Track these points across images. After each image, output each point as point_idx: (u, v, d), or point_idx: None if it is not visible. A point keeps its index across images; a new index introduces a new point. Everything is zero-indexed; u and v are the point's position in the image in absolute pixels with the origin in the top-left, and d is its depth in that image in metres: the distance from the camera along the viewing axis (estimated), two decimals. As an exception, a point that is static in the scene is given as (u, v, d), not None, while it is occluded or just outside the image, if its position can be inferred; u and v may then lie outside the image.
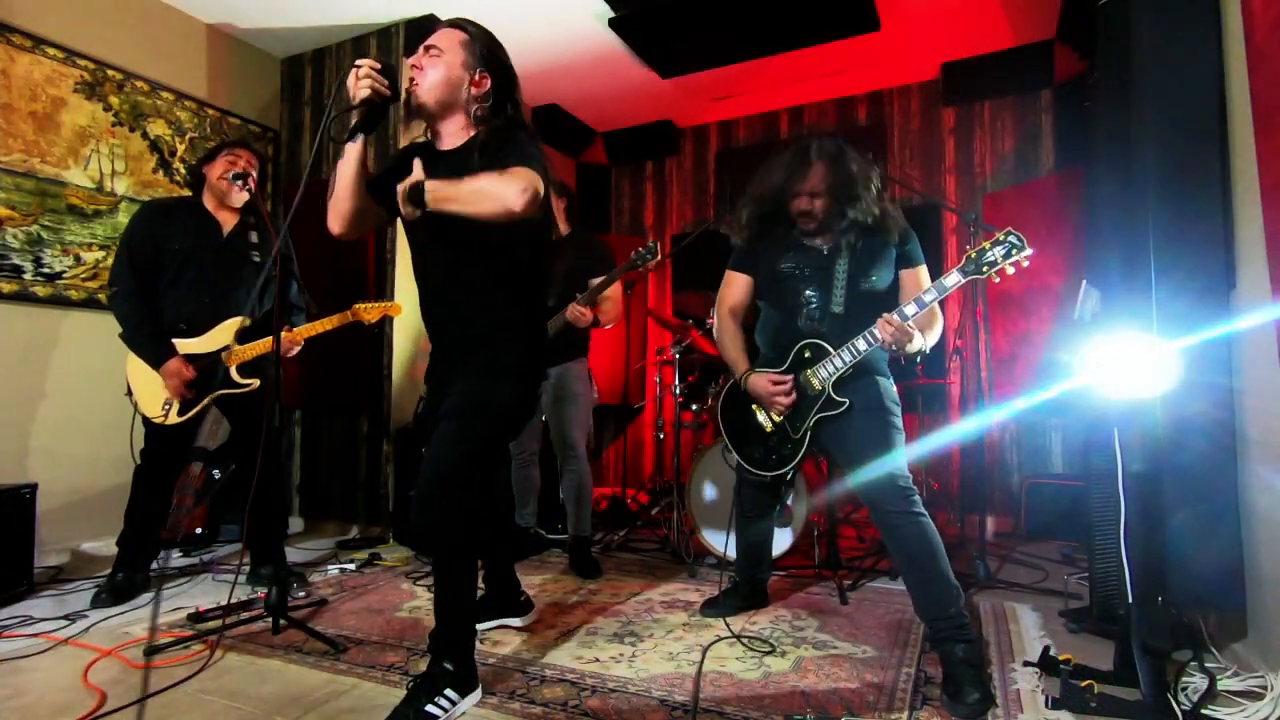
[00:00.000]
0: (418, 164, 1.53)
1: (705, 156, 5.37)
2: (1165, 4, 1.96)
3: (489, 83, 1.69)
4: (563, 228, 3.12)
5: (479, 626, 2.14)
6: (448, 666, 1.63)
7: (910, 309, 1.89)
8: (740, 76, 4.54)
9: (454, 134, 1.71)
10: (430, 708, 1.56)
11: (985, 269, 1.85)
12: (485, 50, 1.69)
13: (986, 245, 1.86)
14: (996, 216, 3.60)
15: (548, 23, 3.89)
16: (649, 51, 4.17)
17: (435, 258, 1.73)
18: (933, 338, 2.03)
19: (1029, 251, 1.83)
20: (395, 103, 1.64)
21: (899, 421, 2.00)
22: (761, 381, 2.10)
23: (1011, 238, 1.84)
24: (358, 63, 1.58)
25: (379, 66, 1.58)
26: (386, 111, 1.64)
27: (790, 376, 2.07)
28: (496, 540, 2.17)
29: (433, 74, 1.65)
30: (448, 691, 1.60)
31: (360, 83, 1.56)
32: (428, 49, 1.67)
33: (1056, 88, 4.25)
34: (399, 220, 1.74)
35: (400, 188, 1.48)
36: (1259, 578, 1.87)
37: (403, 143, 1.75)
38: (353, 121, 1.59)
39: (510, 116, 1.71)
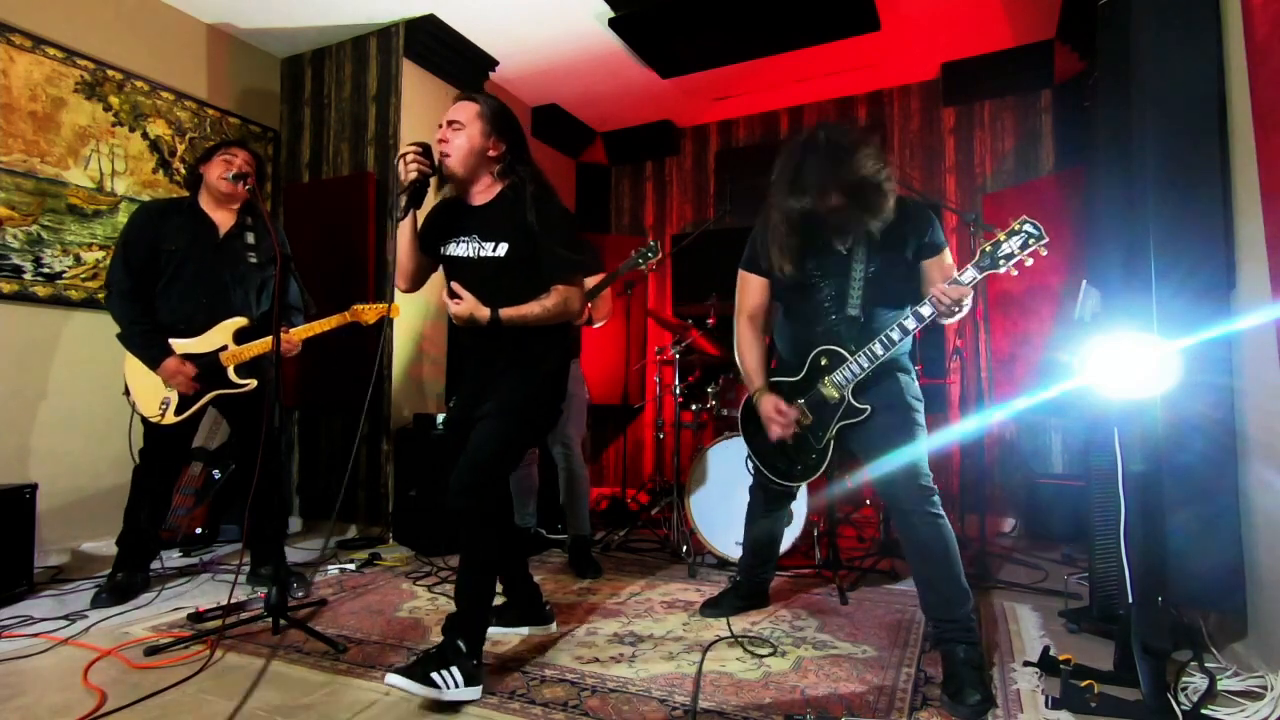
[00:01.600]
0: (473, 301, 1.86)
1: (705, 156, 5.37)
2: (1165, 4, 1.96)
3: (504, 147, 1.97)
4: None
5: (499, 631, 2.15)
6: (461, 645, 1.69)
7: (970, 274, 1.78)
8: (740, 76, 4.54)
9: (482, 191, 1.99)
10: (435, 676, 1.61)
11: (1002, 263, 1.76)
12: (498, 118, 1.96)
13: (1002, 236, 1.77)
14: (996, 216, 3.60)
15: (548, 23, 3.89)
16: (649, 51, 4.17)
17: (480, 282, 1.91)
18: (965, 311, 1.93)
19: (1047, 239, 1.73)
20: (435, 176, 1.93)
21: (921, 419, 1.96)
22: (768, 405, 2.06)
23: (1028, 226, 1.74)
24: (403, 151, 1.87)
25: (421, 149, 1.88)
26: (429, 184, 1.92)
27: (794, 411, 2.03)
28: (510, 545, 2.17)
29: (459, 144, 1.91)
30: (455, 670, 1.64)
31: (409, 168, 1.86)
32: (450, 123, 1.93)
33: (1056, 88, 4.25)
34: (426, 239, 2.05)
35: (464, 315, 1.85)
36: (1259, 578, 1.87)
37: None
38: (404, 201, 1.88)
39: (532, 174, 1.99)
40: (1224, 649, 1.93)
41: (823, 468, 2.07)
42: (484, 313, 1.85)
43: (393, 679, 1.62)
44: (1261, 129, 1.73)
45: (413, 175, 1.86)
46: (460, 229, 2.00)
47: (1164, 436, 1.67)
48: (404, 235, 1.94)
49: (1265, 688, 1.64)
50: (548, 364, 1.99)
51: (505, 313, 1.87)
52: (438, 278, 2.08)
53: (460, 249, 1.98)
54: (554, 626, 2.22)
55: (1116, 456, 1.74)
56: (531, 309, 1.90)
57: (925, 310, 1.85)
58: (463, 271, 1.97)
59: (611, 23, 3.84)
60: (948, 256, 2.00)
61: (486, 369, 1.98)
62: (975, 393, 3.61)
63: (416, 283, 2.05)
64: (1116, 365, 1.62)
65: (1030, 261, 1.75)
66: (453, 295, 1.89)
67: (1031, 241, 1.74)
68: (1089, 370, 1.69)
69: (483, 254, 1.95)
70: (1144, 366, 1.59)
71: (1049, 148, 4.29)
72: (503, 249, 1.93)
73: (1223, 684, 1.69)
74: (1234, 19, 1.91)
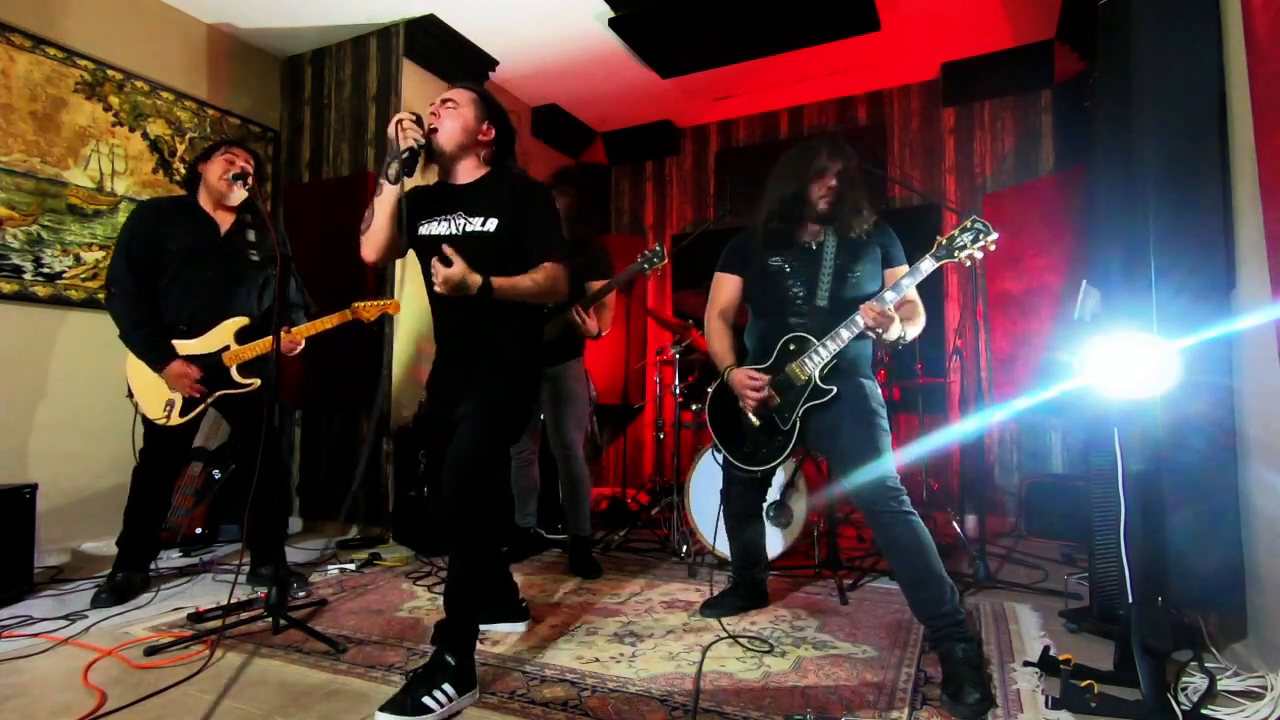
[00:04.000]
0: (464, 266, 1.76)
1: (705, 156, 5.37)
2: (1165, 4, 1.96)
3: (494, 133, 2.00)
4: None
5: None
6: (449, 660, 1.66)
7: (890, 295, 1.97)
8: (740, 76, 4.54)
9: (468, 172, 1.99)
10: (427, 700, 1.57)
11: (956, 253, 1.94)
12: (491, 108, 2.01)
13: (955, 232, 1.96)
14: (996, 216, 3.59)
15: (548, 23, 3.89)
16: (649, 51, 4.18)
17: (465, 303, 1.86)
18: (913, 329, 2.12)
19: (995, 235, 1.93)
20: (424, 151, 1.90)
21: (885, 423, 2.04)
22: (740, 375, 2.17)
23: (978, 224, 1.94)
24: (398, 116, 1.85)
25: (416, 117, 1.86)
26: (419, 157, 1.89)
27: (767, 376, 2.12)
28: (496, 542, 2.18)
29: (450, 124, 1.92)
30: (446, 686, 1.61)
31: (406, 133, 1.83)
32: (445, 102, 1.95)
33: (1056, 88, 4.25)
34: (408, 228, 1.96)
35: (455, 278, 1.74)
36: (1259, 578, 1.87)
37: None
38: (395, 166, 1.83)
39: (517, 167, 2.06)
40: (1224, 649, 1.93)
41: (788, 451, 2.13)
42: (475, 279, 1.77)
43: (383, 718, 1.55)
44: (1261, 129, 1.73)
45: (409, 142, 1.83)
46: (441, 208, 1.95)
47: (1164, 436, 1.67)
48: (387, 201, 1.85)
49: (1265, 688, 1.64)
50: (521, 357, 1.95)
51: (497, 282, 1.80)
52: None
53: (441, 227, 1.93)
54: (523, 627, 2.21)
55: (1116, 456, 1.74)
56: (523, 281, 1.86)
57: (859, 319, 1.99)
58: (435, 247, 1.88)
59: (611, 23, 3.84)
60: (903, 273, 2.12)
61: (458, 364, 1.95)
62: (975, 393, 3.60)
63: (384, 256, 1.95)
64: (1116, 365, 1.62)
65: (980, 255, 1.94)
66: (444, 260, 1.77)
67: (981, 237, 1.93)
68: (1089, 370, 1.69)
69: (469, 229, 1.89)
70: (1144, 366, 1.58)
71: (1049, 148, 4.29)
72: (492, 224, 1.89)
73: (1223, 684, 1.69)
74: (1234, 19, 1.91)
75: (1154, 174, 1.92)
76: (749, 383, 2.13)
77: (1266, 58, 1.67)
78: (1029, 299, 3.70)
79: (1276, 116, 1.64)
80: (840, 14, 3.78)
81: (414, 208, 1.96)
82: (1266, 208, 1.71)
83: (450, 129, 1.92)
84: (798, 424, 2.10)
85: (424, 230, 1.96)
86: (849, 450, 1.99)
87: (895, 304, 1.98)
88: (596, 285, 2.89)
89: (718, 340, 2.31)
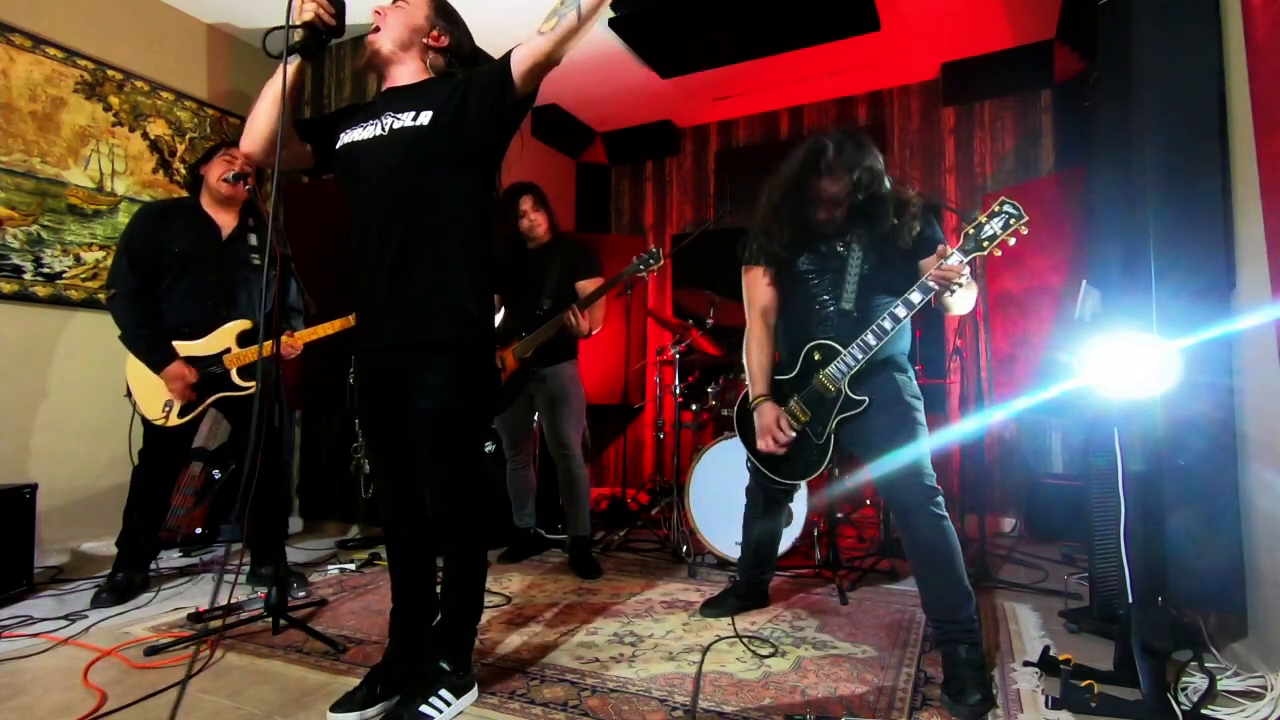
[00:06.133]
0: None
1: (705, 156, 5.37)
2: (1165, 4, 1.96)
3: (447, 40, 1.72)
4: (545, 236, 3.10)
5: None
6: (444, 666, 1.63)
7: (953, 259, 1.77)
8: (740, 76, 4.55)
9: (408, 76, 1.69)
10: (425, 708, 1.55)
11: (986, 244, 1.78)
12: (447, 8, 1.76)
13: (983, 219, 1.79)
14: (996, 216, 3.60)
15: (548, 23, 3.89)
16: (649, 51, 4.18)
17: (386, 166, 1.61)
18: (970, 299, 1.96)
19: (1026, 218, 1.76)
20: (338, 37, 1.65)
21: (921, 416, 1.94)
22: (769, 417, 2.04)
23: (1007, 207, 1.77)
24: None
25: None
26: (327, 43, 1.64)
27: (792, 434, 2.01)
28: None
29: (395, 21, 1.66)
30: (443, 692, 1.59)
31: (305, 5, 1.56)
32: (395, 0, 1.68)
33: (1056, 88, 4.25)
34: (328, 172, 1.77)
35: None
36: (1259, 578, 1.87)
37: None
38: (296, 36, 1.56)
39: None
40: (1224, 649, 1.93)
41: (824, 464, 2.05)
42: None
43: None
44: (1261, 129, 1.73)
45: (307, 16, 1.55)
46: (369, 114, 1.66)
47: (1164, 437, 1.67)
48: (274, 81, 1.55)
49: (1265, 688, 1.64)
50: (475, 323, 1.64)
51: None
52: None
53: (366, 131, 1.63)
54: None
55: (1116, 456, 1.74)
56: (541, 41, 1.62)
57: (915, 297, 1.84)
58: (364, 160, 1.63)
59: (611, 23, 3.84)
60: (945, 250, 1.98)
61: (396, 334, 1.64)
62: (975, 393, 3.60)
63: (264, 151, 1.63)
64: (1116, 365, 1.62)
65: (1013, 241, 1.77)
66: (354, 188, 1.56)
67: (1012, 221, 1.76)
68: (1089, 370, 1.69)
69: (396, 126, 1.59)
70: (1144, 366, 1.59)
71: (1049, 148, 4.29)
72: (426, 117, 1.58)
73: (1223, 684, 1.69)
74: (1234, 19, 1.91)
75: (1154, 174, 1.92)
76: (775, 432, 2.01)
77: (1267, 58, 1.68)
78: (1029, 299, 3.70)
79: (1277, 116, 1.64)
80: (840, 14, 3.78)
81: (339, 121, 1.73)
82: (1266, 208, 1.71)
83: (393, 26, 1.64)
84: (833, 437, 2.01)
85: (345, 139, 1.67)
86: (882, 444, 1.89)
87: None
88: (589, 285, 2.89)
89: (755, 355, 2.13)
